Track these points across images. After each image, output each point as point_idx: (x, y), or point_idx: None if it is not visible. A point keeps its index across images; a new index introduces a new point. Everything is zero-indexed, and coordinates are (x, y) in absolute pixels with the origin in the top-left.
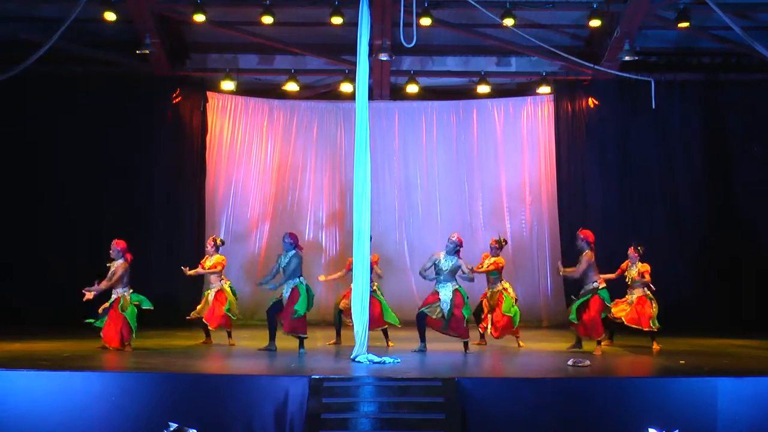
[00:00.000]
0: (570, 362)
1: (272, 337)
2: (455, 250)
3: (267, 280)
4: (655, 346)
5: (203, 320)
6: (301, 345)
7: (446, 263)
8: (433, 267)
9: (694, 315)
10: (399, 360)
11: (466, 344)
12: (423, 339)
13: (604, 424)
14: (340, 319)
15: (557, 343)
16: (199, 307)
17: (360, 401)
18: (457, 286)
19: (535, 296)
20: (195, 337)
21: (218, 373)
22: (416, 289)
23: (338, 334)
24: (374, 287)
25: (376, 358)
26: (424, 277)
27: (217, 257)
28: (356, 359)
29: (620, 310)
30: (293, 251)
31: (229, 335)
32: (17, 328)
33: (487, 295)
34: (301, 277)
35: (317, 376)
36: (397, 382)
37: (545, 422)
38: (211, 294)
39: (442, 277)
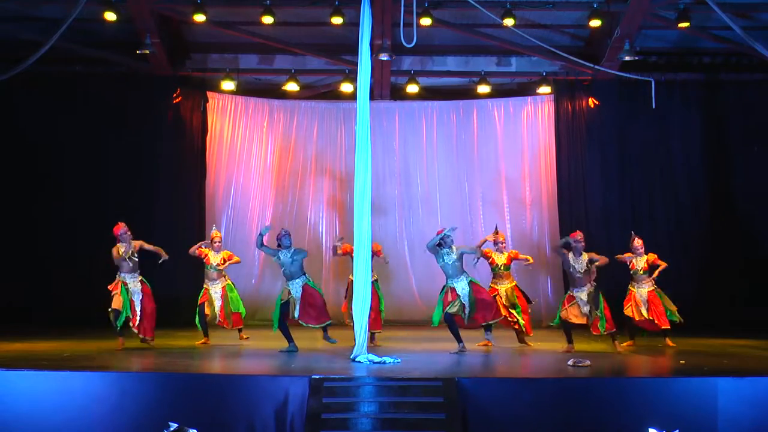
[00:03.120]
0: (570, 362)
1: (290, 339)
2: (450, 243)
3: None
4: (670, 343)
5: (218, 323)
6: (326, 331)
7: (449, 258)
8: (437, 245)
9: (694, 315)
10: (399, 360)
11: (489, 327)
12: (459, 339)
13: (604, 424)
14: None
15: (557, 343)
16: (207, 307)
17: (360, 401)
18: (470, 278)
19: (535, 296)
20: (195, 337)
21: (218, 373)
22: (416, 288)
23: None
24: (374, 277)
25: (376, 358)
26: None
27: (227, 252)
28: (356, 359)
29: (636, 312)
30: (294, 249)
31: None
32: (18, 328)
33: (500, 292)
34: (306, 275)
35: (317, 376)
36: (398, 382)
37: (545, 422)
38: (217, 291)
39: (453, 272)
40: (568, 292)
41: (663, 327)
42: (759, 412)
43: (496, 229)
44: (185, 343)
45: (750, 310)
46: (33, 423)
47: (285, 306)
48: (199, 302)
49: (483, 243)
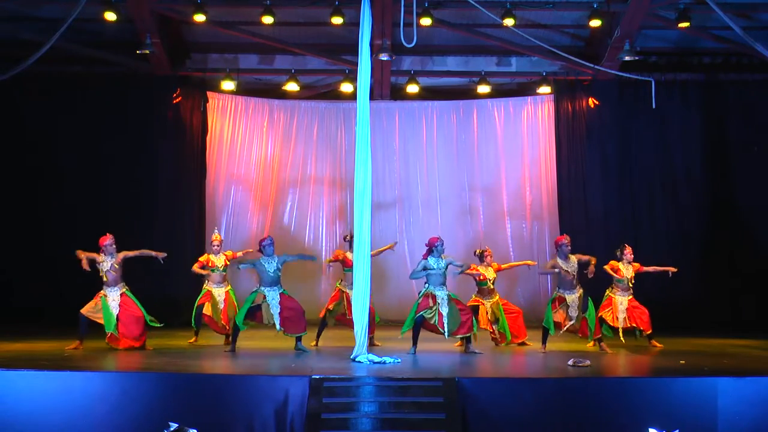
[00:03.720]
0: (570, 362)
1: (235, 340)
2: (441, 251)
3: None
4: (657, 345)
5: (219, 326)
6: (299, 341)
7: (438, 265)
8: (423, 270)
9: (695, 314)
10: (399, 360)
11: (470, 339)
12: (416, 343)
13: (604, 424)
14: (325, 322)
15: (557, 343)
16: (209, 309)
17: (360, 401)
18: (449, 291)
19: (534, 296)
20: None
21: (218, 373)
22: (416, 289)
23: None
24: None
25: (376, 358)
26: (415, 278)
27: (229, 252)
28: (356, 359)
29: (613, 318)
30: (277, 257)
31: (228, 338)
32: (18, 328)
33: (486, 306)
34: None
35: (317, 376)
36: (398, 382)
37: (545, 422)
38: (221, 294)
39: (437, 281)
40: (557, 292)
41: (647, 333)
42: (759, 412)
43: (484, 248)
44: (184, 343)
45: (750, 310)
46: (33, 423)
47: (255, 308)
48: (197, 303)
49: (472, 269)
